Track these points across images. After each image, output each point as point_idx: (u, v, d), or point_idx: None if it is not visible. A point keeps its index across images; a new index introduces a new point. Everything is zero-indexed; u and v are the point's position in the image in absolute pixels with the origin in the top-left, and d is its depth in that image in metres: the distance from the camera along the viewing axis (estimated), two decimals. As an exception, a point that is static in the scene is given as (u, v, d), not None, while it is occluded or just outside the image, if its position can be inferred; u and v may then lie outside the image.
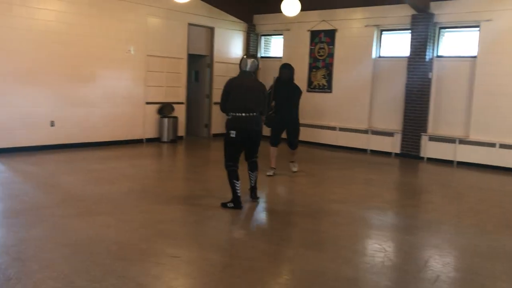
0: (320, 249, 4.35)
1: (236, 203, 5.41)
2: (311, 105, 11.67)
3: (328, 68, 11.41)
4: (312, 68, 11.71)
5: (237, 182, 5.39)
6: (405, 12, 9.94)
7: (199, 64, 12.10)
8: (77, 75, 9.19)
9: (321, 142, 11.40)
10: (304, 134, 11.67)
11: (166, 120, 10.71)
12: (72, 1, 8.96)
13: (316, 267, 3.88)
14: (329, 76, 11.41)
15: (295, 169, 7.85)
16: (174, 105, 11.09)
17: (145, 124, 10.53)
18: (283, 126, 7.67)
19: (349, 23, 11.02)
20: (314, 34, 11.60)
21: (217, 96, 12.11)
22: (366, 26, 10.70)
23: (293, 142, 7.78)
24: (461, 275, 3.87)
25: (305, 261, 4.02)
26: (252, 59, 5.54)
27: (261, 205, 5.83)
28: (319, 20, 11.41)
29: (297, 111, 7.72)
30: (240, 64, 5.55)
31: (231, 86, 5.44)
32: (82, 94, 9.33)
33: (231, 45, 12.40)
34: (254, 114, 5.37)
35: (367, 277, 3.72)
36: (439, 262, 4.15)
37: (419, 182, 8.25)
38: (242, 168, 5.67)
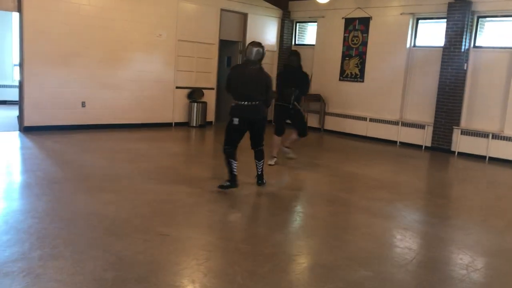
0: (309, 235, 4.31)
1: (232, 181, 5.46)
2: (342, 94, 11.51)
3: (361, 56, 11.16)
4: (345, 56, 11.48)
5: (234, 161, 5.45)
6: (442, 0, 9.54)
7: (231, 50, 12.15)
8: (108, 58, 9.47)
9: (350, 132, 11.21)
10: (334, 124, 11.61)
11: (195, 105, 10.85)
12: (105, -14, 9.22)
13: (299, 252, 3.86)
14: (361, 65, 11.16)
15: (290, 155, 7.52)
16: (205, 91, 11.21)
17: (174, 108, 10.73)
18: (286, 114, 7.27)
19: (385, 11, 10.69)
20: (349, 22, 11.35)
21: (248, 82, 12.21)
22: (401, 14, 10.35)
23: (300, 129, 7.34)
24: (439, 268, 3.73)
25: (290, 246, 4.01)
26: (257, 48, 5.37)
27: (265, 190, 5.82)
28: (354, 7, 11.15)
29: (299, 99, 7.25)
30: (245, 51, 5.48)
31: (234, 74, 5.50)
32: (113, 76, 9.62)
33: (265, 31, 12.35)
34: (256, 102, 5.40)
35: (346, 266, 3.66)
36: (427, 253, 4.02)
37: (442, 176, 7.95)
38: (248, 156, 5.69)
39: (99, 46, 9.31)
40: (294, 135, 7.44)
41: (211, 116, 11.45)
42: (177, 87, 10.71)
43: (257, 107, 5.43)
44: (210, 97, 11.37)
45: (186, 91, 10.89)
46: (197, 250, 3.81)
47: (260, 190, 5.76)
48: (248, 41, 11.85)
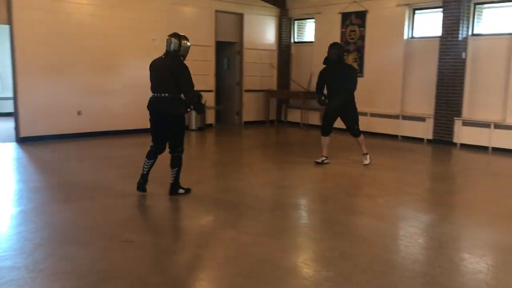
0: (278, 238, 4.20)
1: (138, 183, 5.31)
2: (342, 90, 11.31)
3: (360, 51, 10.97)
4: (344, 51, 11.29)
5: (148, 161, 5.29)
6: (437, -12, 9.30)
7: (229, 51, 12.10)
8: (101, 65, 9.53)
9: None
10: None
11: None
12: (94, -7, 9.27)
13: (267, 256, 3.76)
14: (360, 60, 10.96)
15: (366, 161, 7.24)
16: (203, 93, 11.12)
17: (172, 112, 10.71)
18: (333, 114, 7.17)
19: (381, 3, 10.48)
20: (345, 16, 11.17)
21: (248, 83, 12.14)
22: (397, 5, 10.13)
23: (352, 129, 7.22)
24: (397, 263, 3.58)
25: (256, 248, 3.90)
26: (171, 38, 5.08)
27: (248, 192, 5.73)
28: (350, 1, 10.97)
29: (350, 95, 7.06)
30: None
31: (150, 67, 5.20)
32: (108, 83, 9.67)
33: (263, 30, 12.26)
34: (166, 95, 5.01)
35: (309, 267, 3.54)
36: (389, 247, 3.87)
37: (437, 169, 7.67)
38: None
39: (91, 54, 9.37)
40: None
41: (210, 119, 11.41)
42: (174, 91, 10.68)
43: (167, 100, 5.01)
44: (209, 100, 11.31)
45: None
46: (160, 254, 3.74)
47: (236, 194, 5.68)
48: (245, 41, 11.86)
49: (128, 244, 3.94)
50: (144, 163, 5.29)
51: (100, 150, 8.24)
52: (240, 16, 11.75)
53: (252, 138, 10.62)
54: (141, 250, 3.85)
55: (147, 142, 9.02)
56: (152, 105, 5.12)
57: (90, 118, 9.47)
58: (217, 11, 11.18)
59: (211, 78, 11.41)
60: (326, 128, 7.31)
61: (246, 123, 12.19)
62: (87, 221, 4.52)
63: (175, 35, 5.14)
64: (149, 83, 5.14)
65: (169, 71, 5.00)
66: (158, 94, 5.02)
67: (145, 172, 5.28)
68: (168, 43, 5.08)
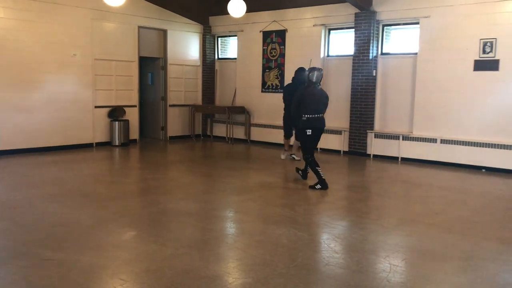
0: (200, 249, 4.35)
1: (322, 184, 6.71)
2: (265, 106, 11.73)
3: (280, 68, 11.45)
4: (266, 68, 11.75)
5: (319, 168, 6.73)
6: (349, 10, 9.98)
7: (153, 67, 12.13)
8: (18, 80, 9.20)
9: (273, 141, 11.43)
10: (259, 135, 11.80)
11: (116, 123, 10.71)
12: (8, 7, 8.95)
13: (189, 266, 3.89)
14: (281, 76, 11.44)
15: (282, 156, 9.61)
16: (127, 108, 11.11)
17: (94, 128, 10.54)
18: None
19: (299, 23, 11.05)
20: (266, 35, 11.64)
21: (172, 98, 12.20)
22: (314, 25, 10.73)
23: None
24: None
25: (177, 260, 4.02)
26: (318, 71, 6.81)
27: (165, 208, 5.84)
28: (270, 20, 11.45)
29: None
30: (308, 75, 6.85)
31: (304, 95, 6.84)
32: (26, 99, 9.34)
33: (187, 47, 12.42)
34: (321, 115, 6.90)
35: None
36: (299, 255, 4.17)
37: (351, 179, 8.20)
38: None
39: (7, 69, 9.03)
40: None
41: (134, 134, 11.33)
42: (96, 107, 10.53)
43: (323, 118, 6.96)
44: (133, 115, 11.26)
45: (107, 110, 10.74)
46: (78, 274, 3.76)
47: (159, 208, 5.77)
48: (169, 57, 11.94)
49: (49, 263, 3.92)
50: (319, 171, 6.70)
51: (17, 169, 7.95)
52: (163, 32, 11.84)
53: (177, 153, 10.67)
54: (62, 268, 3.83)
55: (65, 159, 8.91)
56: (316, 123, 6.79)
57: (5, 136, 9.08)
58: (140, 27, 11.20)
59: (135, 93, 11.36)
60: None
61: (172, 137, 12.24)
62: (5, 240, 4.42)
63: (318, 69, 6.88)
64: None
65: (324, 97, 6.90)
66: (318, 115, 6.81)
67: (324, 178, 6.71)
68: (316, 75, 6.76)
